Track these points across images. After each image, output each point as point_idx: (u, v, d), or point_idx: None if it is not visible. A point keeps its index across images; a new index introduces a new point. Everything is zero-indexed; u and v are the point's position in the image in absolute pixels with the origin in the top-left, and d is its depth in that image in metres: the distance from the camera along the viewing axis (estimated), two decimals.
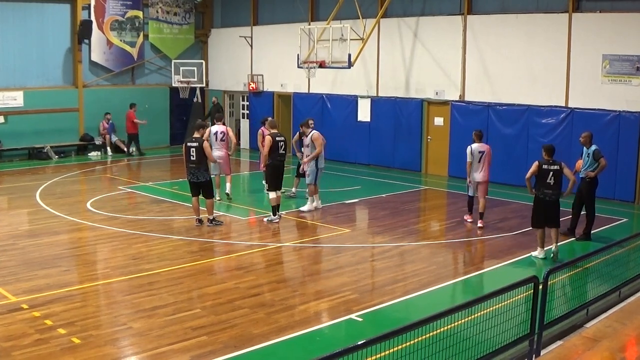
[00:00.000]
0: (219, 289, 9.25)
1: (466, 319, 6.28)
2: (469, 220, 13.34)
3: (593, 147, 11.88)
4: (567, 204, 11.99)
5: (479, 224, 12.92)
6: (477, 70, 18.21)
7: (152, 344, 7.35)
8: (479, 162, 13.02)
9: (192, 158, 12.51)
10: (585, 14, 16.05)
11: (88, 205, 14.59)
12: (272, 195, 13.20)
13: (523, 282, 6.64)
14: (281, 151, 13.35)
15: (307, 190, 14.35)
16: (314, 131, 14.17)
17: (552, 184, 10.50)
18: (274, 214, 13.17)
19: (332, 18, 19.24)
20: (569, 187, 10.79)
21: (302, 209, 14.15)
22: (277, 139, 13.37)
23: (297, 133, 14.86)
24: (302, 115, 21.72)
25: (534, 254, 10.91)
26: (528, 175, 10.76)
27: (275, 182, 13.33)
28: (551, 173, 10.47)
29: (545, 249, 10.84)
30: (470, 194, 13.23)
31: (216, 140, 14.85)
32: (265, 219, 13.25)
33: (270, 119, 14.69)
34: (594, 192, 12.03)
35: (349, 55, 17.77)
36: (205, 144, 12.63)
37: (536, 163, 10.67)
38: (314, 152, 13.94)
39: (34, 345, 7.22)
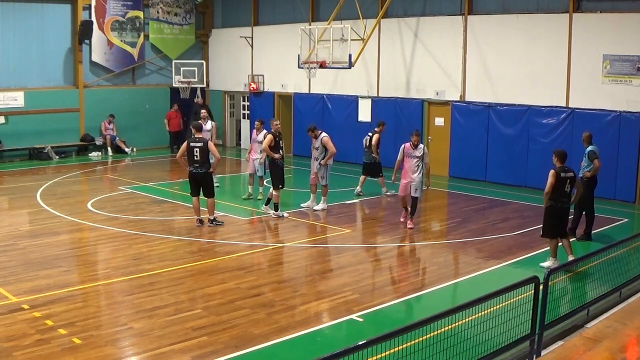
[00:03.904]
0: (220, 289, 9.25)
1: (467, 320, 6.29)
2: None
3: (590, 148, 11.92)
4: None
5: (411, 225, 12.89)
6: (478, 71, 18.21)
7: (153, 344, 7.35)
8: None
9: (195, 158, 12.50)
10: (585, 14, 16.05)
11: (89, 205, 14.60)
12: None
13: (524, 282, 6.65)
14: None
15: (317, 190, 14.57)
16: (323, 134, 14.24)
17: (568, 191, 10.05)
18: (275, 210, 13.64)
19: (332, 18, 19.25)
20: (575, 198, 10.49)
21: (316, 208, 14.32)
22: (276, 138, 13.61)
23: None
24: (303, 115, 21.81)
25: (546, 264, 10.08)
26: (549, 188, 9.91)
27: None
28: (568, 181, 9.97)
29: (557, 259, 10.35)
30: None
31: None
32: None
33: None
34: (592, 192, 12.02)
35: (350, 56, 17.77)
36: (211, 144, 12.66)
37: (553, 173, 9.93)
38: (329, 153, 14.17)
39: (35, 345, 7.22)
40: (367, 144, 16.17)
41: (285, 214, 13.64)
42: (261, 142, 14.07)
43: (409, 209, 12.90)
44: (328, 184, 14.43)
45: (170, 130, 23.69)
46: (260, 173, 14.77)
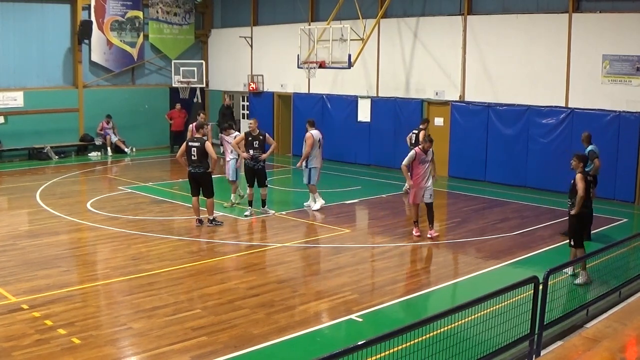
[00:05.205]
0: (219, 289, 9.25)
1: (466, 320, 6.28)
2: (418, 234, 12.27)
3: (589, 148, 11.93)
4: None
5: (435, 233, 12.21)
6: (477, 71, 18.20)
7: (152, 344, 7.35)
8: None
9: (193, 157, 12.52)
10: (585, 14, 16.05)
11: (88, 205, 14.60)
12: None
13: (523, 282, 6.64)
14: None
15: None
16: (309, 132, 14.26)
17: (591, 195, 9.81)
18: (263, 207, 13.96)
19: (332, 18, 19.24)
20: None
21: (314, 208, 14.38)
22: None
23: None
24: (303, 115, 21.75)
25: (579, 281, 9.42)
26: (583, 192, 9.32)
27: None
28: (591, 185, 9.81)
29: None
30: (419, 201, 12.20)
31: None
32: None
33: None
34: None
35: (349, 56, 17.76)
36: (208, 144, 12.64)
37: (582, 177, 9.44)
38: (303, 152, 14.18)
39: (34, 345, 7.22)
40: (414, 141, 16.11)
41: (248, 212, 13.69)
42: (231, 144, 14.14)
43: (419, 220, 12.25)
44: (314, 183, 14.35)
45: (172, 129, 23.72)
46: (232, 177, 14.51)
